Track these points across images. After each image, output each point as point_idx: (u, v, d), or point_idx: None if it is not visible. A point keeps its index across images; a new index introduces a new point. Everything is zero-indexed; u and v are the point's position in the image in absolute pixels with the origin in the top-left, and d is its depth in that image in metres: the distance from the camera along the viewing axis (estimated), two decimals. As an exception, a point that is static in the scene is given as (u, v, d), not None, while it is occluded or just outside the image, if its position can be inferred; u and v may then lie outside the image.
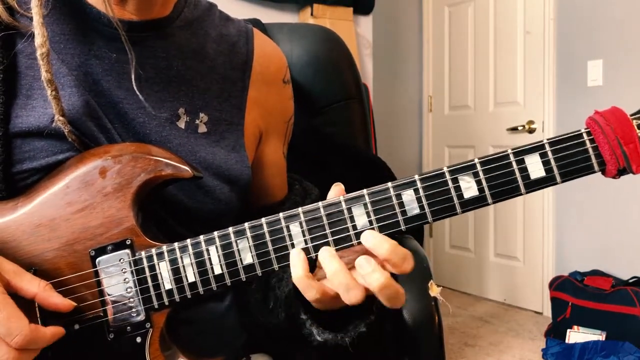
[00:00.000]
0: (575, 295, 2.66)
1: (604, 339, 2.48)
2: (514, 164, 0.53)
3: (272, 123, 0.83)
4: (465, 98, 3.57)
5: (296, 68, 1.22)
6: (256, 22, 1.42)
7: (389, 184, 0.54)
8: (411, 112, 3.91)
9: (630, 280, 2.62)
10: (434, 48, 3.80)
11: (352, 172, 1.22)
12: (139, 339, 0.58)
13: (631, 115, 0.53)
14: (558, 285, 2.77)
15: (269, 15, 2.54)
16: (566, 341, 2.56)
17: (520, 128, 3.17)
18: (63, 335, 0.55)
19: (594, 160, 0.52)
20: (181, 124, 0.70)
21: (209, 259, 0.57)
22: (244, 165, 0.74)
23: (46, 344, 0.53)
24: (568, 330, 2.58)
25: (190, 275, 0.58)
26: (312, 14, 2.63)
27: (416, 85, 3.90)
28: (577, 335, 2.55)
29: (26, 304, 0.54)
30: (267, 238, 0.56)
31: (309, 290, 0.55)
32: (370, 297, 0.57)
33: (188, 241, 0.58)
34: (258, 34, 0.83)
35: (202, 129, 0.72)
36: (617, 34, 2.77)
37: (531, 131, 3.14)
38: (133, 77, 0.66)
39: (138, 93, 0.66)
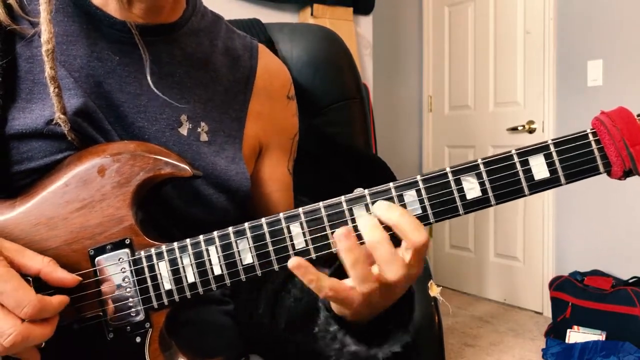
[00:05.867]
0: (575, 295, 2.66)
1: (604, 339, 2.48)
2: (517, 164, 0.52)
3: (276, 138, 0.82)
4: (465, 98, 3.56)
5: (296, 68, 1.22)
6: (256, 22, 1.42)
7: (391, 185, 0.54)
8: (411, 112, 3.91)
9: (630, 280, 2.61)
10: (434, 48, 3.80)
11: (353, 172, 1.22)
12: (138, 339, 0.58)
13: (638, 115, 0.52)
14: (558, 285, 2.77)
15: (269, 15, 2.53)
16: (566, 341, 2.56)
17: (520, 128, 3.17)
18: (67, 302, 0.55)
19: (599, 162, 0.51)
20: (183, 131, 0.70)
21: (209, 259, 0.57)
22: (243, 177, 0.74)
23: (53, 313, 0.53)
24: (568, 330, 2.58)
25: (190, 275, 0.57)
26: (312, 14, 2.63)
27: (416, 85, 3.90)
28: (577, 335, 2.54)
29: None
30: (268, 238, 0.56)
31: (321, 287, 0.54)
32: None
33: (187, 241, 0.58)
34: (263, 50, 0.83)
35: (204, 137, 0.72)
36: (617, 34, 2.76)
37: (531, 131, 3.14)
38: (149, 77, 0.66)
39: (154, 89, 0.67)
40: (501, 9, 3.31)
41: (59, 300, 0.54)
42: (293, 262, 0.53)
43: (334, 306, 0.60)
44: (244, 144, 0.76)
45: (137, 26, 0.67)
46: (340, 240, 0.53)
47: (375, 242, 0.52)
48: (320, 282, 0.53)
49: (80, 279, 0.57)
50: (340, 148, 1.25)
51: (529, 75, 3.18)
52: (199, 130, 0.71)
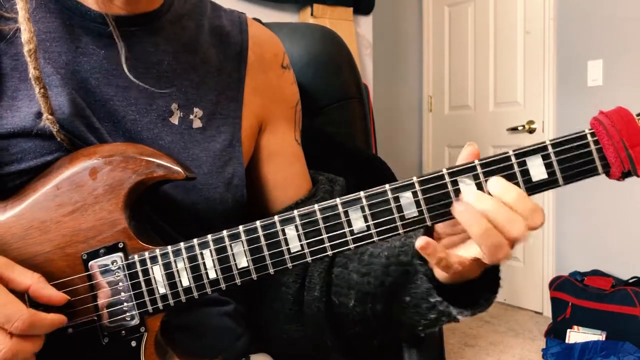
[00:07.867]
0: (575, 295, 2.66)
1: (604, 339, 2.48)
2: (515, 166, 0.51)
3: (277, 111, 0.80)
4: (465, 98, 3.56)
5: (296, 68, 1.21)
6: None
7: (387, 187, 0.53)
8: (411, 112, 3.90)
9: (630, 280, 2.61)
10: (434, 48, 3.79)
11: (352, 172, 1.21)
12: (133, 343, 0.58)
13: (637, 115, 0.51)
14: (558, 285, 2.77)
15: (269, 15, 2.53)
16: (566, 341, 2.56)
17: (520, 128, 3.16)
18: (64, 323, 0.54)
19: (598, 163, 0.50)
20: (174, 120, 0.69)
21: (204, 263, 0.56)
22: (237, 162, 0.73)
23: (45, 331, 0.52)
24: (568, 330, 2.58)
25: (185, 279, 0.57)
26: (312, 14, 2.63)
27: (416, 85, 3.90)
28: (577, 335, 2.54)
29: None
30: (262, 242, 0.55)
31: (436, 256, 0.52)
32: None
33: (182, 245, 0.57)
34: (252, 23, 0.82)
35: (197, 124, 0.71)
36: (617, 34, 2.76)
37: (531, 131, 3.13)
38: (125, 66, 0.65)
39: (133, 78, 0.65)
40: (501, 9, 3.31)
41: (52, 318, 0.52)
42: (422, 242, 0.51)
43: (437, 273, 0.58)
44: (243, 123, 0.75)
45: (117, 17, 0.66)
46: (461, 214, 0.51)
47: (491, 208, 0.50)
48: (449, 259, 0.52)
49: (68, 297, 0.56)
50: (340, 148, 1.25)
51: (529, 75, 3.17)
52: (192, 117, 0.70)
